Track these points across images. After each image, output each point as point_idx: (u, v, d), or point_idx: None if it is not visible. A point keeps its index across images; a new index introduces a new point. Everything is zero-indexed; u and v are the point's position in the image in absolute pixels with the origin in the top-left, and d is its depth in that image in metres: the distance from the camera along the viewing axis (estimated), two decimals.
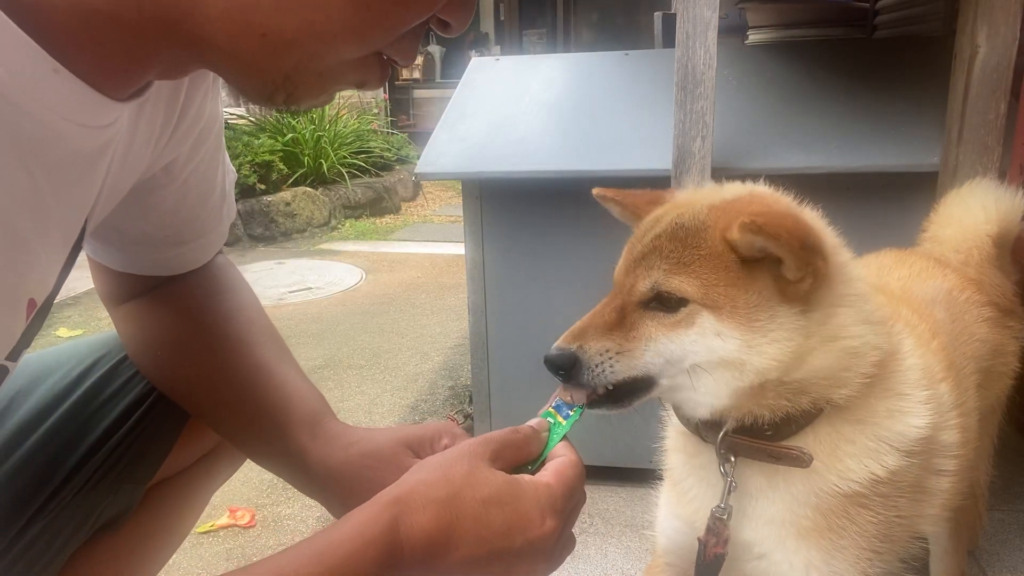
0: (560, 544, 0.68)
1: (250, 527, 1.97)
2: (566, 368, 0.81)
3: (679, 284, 0.81)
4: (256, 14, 0.52)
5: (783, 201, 0.90)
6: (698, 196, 0.91)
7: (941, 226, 1.36)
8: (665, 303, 0.82)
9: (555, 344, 0.82)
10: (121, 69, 0.56)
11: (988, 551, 1.74)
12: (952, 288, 1.21)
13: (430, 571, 0.61)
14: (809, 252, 0.79)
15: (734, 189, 0.93)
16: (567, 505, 0.68)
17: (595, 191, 1.00)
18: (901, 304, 1.08)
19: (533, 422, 0.75)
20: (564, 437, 0.75)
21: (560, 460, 0.71)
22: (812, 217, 0.90)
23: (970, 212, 1.32)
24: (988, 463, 1.38)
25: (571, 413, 0.79)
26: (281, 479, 0.90)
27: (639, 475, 2.05)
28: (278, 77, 0.57)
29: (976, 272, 1.26)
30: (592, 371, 0.81)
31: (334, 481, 0.83)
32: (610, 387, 0.83)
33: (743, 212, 0.80)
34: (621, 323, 0.83)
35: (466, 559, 0.62)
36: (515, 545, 0.63)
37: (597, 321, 0.84)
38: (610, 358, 0.81)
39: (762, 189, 0.93)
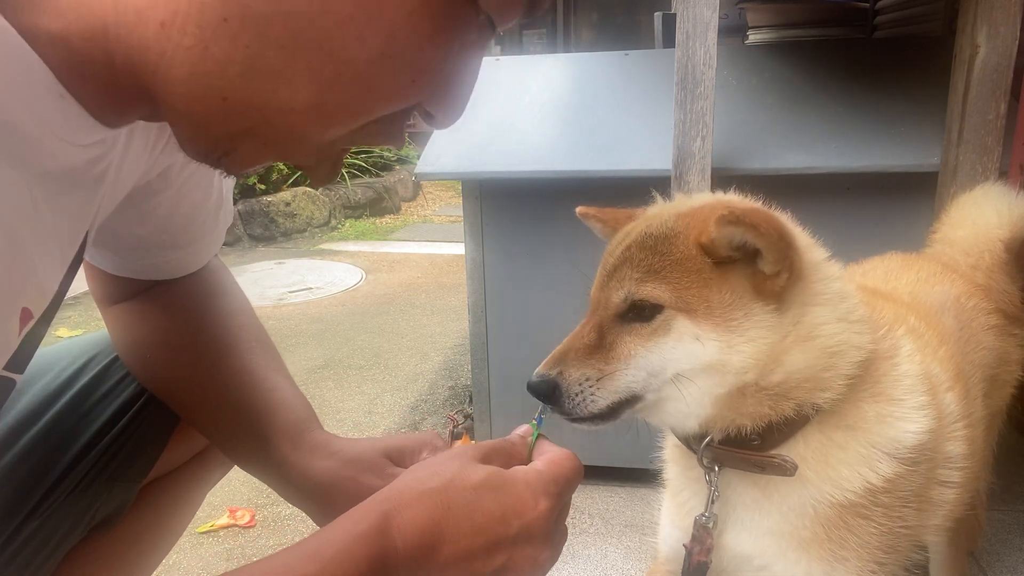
0: (558, 529, 0.67)
1: (250, 527, 1.97)
2: (546, 396, 0.81)
3: (651, 291, 0.81)
4: (221, 80, 0.52)
5: (753, 202, 0.90)
6: (666, 207, 0.92)
7: (953, 228, 1.35)
8: (640, 313, 0.82)
9: (536, 370, 0.82)
10: (102, 108, 0.56)
11: (988, 551, 1.74)
12: (960, 294, 1.20)
13: (427, 567, 0.59)
14: (787, 244, 0.79)
15: (702, 197, 0.94)
16: (559, 488, 0.66)
17: (578, 210, 1.01)
18: (909, 311, 1.06)
19: (520, 430, 0.74)
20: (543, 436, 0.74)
21: (553, 451, 0.70)
22: (783, 215, 0.89)
23: (983, 215, 1.31)
24: (988, 471, 1.38)
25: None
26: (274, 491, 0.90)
27: (639, 475, 2.04)
28: (222, 137, 0.56)
29: (985, 277, 1.25)
30: (572, 400, 0.81)
31: (316, 490, 0.83)
32: (595, 414, 0.83)
33: (716, 211, 0.79)
34: (600, 343, 0.83)
35: (464, 552, 0.60)
36: (511, 531, 0.62)
37: (577, 344, 0.83)
38: (590, 386, 0.81)
39: (731, 196, 0.93)
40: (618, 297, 0.83)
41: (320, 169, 0.63)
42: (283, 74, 0.51)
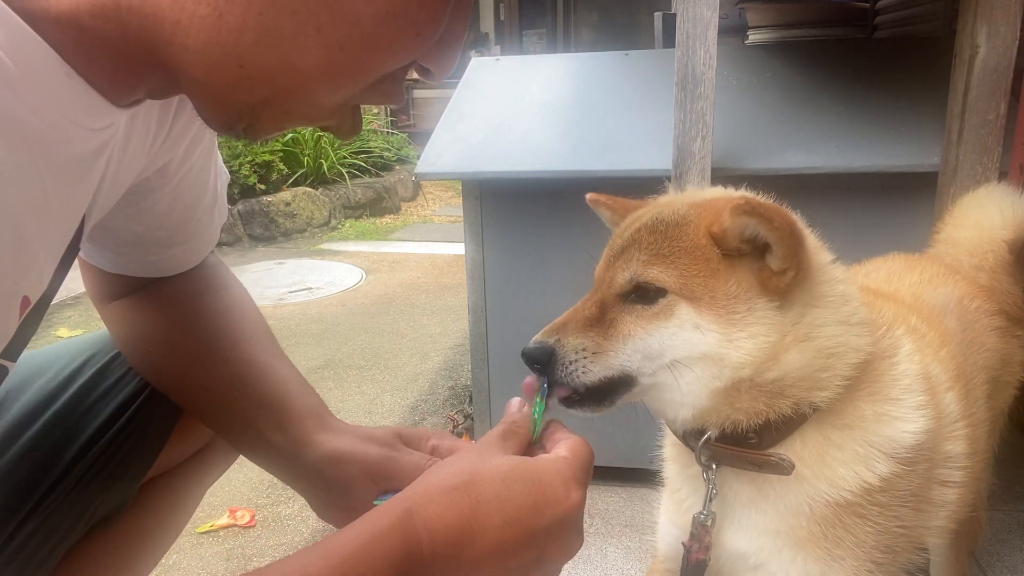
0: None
1: (250, 527, 1.96)
2: (542, 362, 0.80)
3: (657, 274, 0.81)
4: (237, 48, 0.53)
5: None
6: (679, 197, 0.93)
7: (956, 228, 1.35)
8: (643, 295, 0.82)
9: (534, 337, 0.82)
10: (112, 86, 0.57)
11: (988, 551, 1.74)
12: (963, 296, 1.20)
13: (459, 562, 0.57)
14: (798, 241, 0.79)
15: (716, 191, 0.94)
16: (586, 475, 0.65)
17: (588, 196, 1.01)
18: (911, 311, 1.06)
19: (514, 404, 0.74)
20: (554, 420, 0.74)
21: (571, 439, 0.69)
22: (796, 215, 0.89)
23: (986, 216, 1.31)
24: (989, 472, 1.38)
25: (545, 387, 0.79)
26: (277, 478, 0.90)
27: (639, 475, 2.04)
28: (244, 108, 0.57)
29: (988, 278, 1.25)
30: (566, 368, 0.81)
31: (329, 464, 0.84)
32: (586, 387, 0.82)
33: (732, 201, 0.79)
34: (601, 319, 0.83)
35: (498, 545, 0.58)
36: (544, 522, 0.60)
37: (578, 316, 0.84)
38: (585, 357, 0.81)
39: (743, 192, 0.93)
40: (623, 277, 0.83)
41: (343, 127, 0.64)
42: (295, 38, 0.53)
